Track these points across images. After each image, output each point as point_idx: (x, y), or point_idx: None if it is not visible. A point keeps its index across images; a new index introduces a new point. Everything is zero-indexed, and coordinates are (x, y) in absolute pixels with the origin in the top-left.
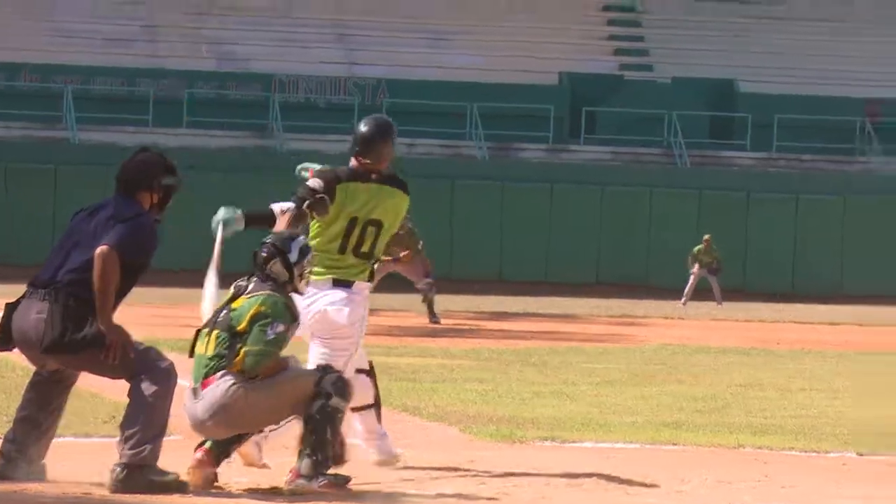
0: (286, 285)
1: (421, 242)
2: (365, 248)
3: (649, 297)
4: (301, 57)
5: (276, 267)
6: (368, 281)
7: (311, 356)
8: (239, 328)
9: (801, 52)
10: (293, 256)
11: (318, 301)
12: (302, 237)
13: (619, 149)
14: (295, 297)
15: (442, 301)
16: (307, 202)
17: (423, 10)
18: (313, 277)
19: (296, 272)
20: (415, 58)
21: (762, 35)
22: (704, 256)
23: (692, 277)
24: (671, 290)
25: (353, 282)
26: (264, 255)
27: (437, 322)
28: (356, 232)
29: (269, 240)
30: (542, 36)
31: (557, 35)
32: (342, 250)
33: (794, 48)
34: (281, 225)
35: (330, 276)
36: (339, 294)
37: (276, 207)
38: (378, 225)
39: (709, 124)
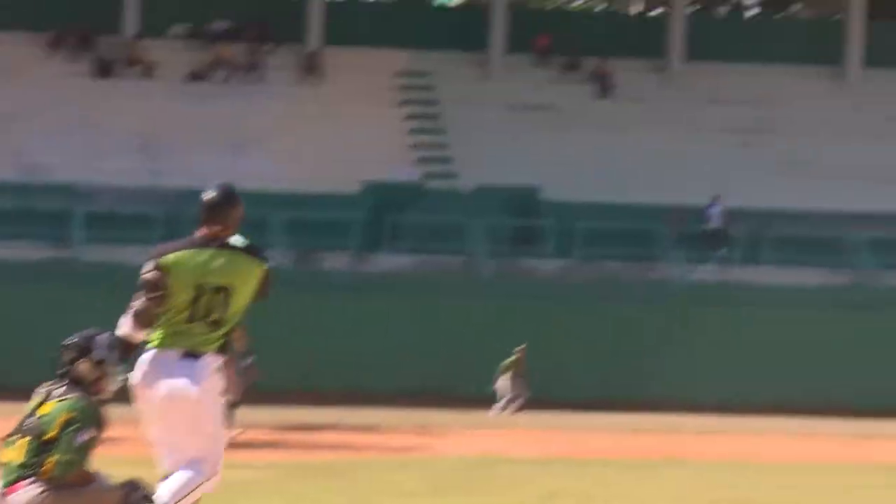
0: (95, 384)
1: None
2: (215, 316)
3: (452, 406)
4: (103, 167)
5: (83, 367)
6: (220, 353)
7: (183, 446)
8: (49, 435)
9: (603, 159)
10: (99, 354)
11: (165, 377)
12: (107, 333)
13: (422, 257)
14: (143, 370)
15: (245, 413)
16: (141, 292)
17: (225, 119)
18: (165, 349)
19: (104, 370)
20: (218, 166)
21: (564, 143)
22: (518, 366)
23: (505, 387)
24: (475, 400)
25: (203, 353)
26: (70, 356)
27: (235, 433)
28: (203, 300)
29: (72, 340)
30: (345, 144)
31: (360, 143)
32: (191, 319)
33: (595, 156)
34: (136, 334)
35: (180, 347)
36: (189, 366)
37: (122, 331)
38: (226, 291)
39: (512, 232)
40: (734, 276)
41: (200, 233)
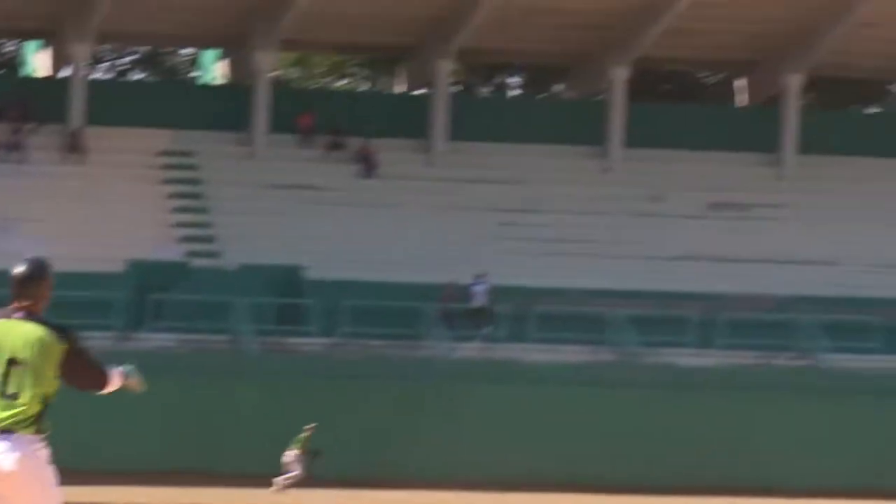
0: None
1: None
2: (10, 390)
3: (216, 484)
4: None
5: None
6: (36, 433)
7: None
8: None
9: (367, 238)
10: None
11: None
12: None
13: (186, 336)
14: None
15: None
16: None
17: None
18: None
19: None
20: None
21: (329, 222)
22: (306, 444)
23: (292, 465)
24: (242, 477)
25: (14, 432)
26: None
27: None
28: (1, 373)
29: None
30: (108, 223)
31: (124, 223)
32: None
33: (360, 235)
34: None
35: None
36: (2, 442)
37: None
38: (22, 365)
39: (276, 311)
40: (499, 354)
41: (11, 306)
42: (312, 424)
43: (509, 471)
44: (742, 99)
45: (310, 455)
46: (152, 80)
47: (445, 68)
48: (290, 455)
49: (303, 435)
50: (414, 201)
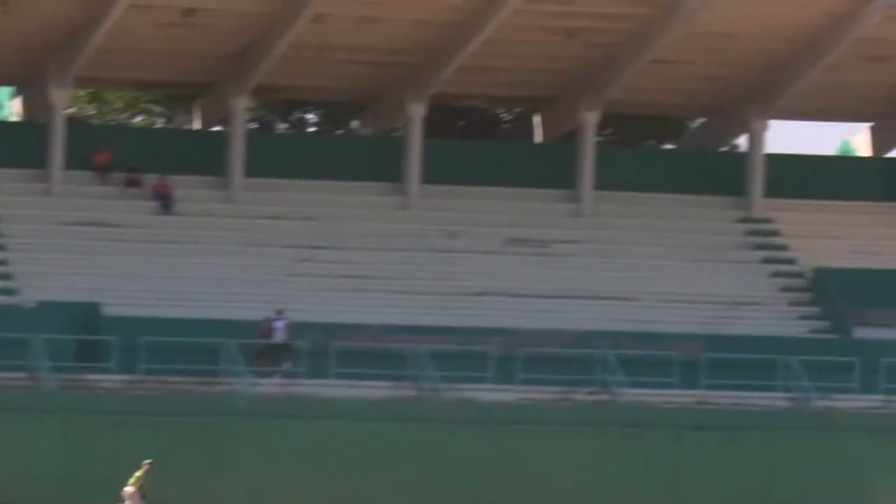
0: None
1: None
2: None
3: None
4: None
5: None
6: None
7: None
8: None
9: (166, 275)
10: None
11: None
12: None
13: None
14: None
15: None
16: None
17: None
18: None
19: None
20: None
21: (127, 259)
22: (142, 481)
23: (127, 498)
24: None
25: None
26: None
27: None
28: None
29: None
30: None
31: None
32: None
33: (159, 271)
34: None
35: None
36: None
37: None
38: None
39: (74, 347)
40: (299, 390)
41: None
42: (149, 461)
43: None
44: (539, 135)
45: (142, 493)
46: None
47: (242, 105)
48: (128, 491)
49: (140, 471)
50: (212, 237)
